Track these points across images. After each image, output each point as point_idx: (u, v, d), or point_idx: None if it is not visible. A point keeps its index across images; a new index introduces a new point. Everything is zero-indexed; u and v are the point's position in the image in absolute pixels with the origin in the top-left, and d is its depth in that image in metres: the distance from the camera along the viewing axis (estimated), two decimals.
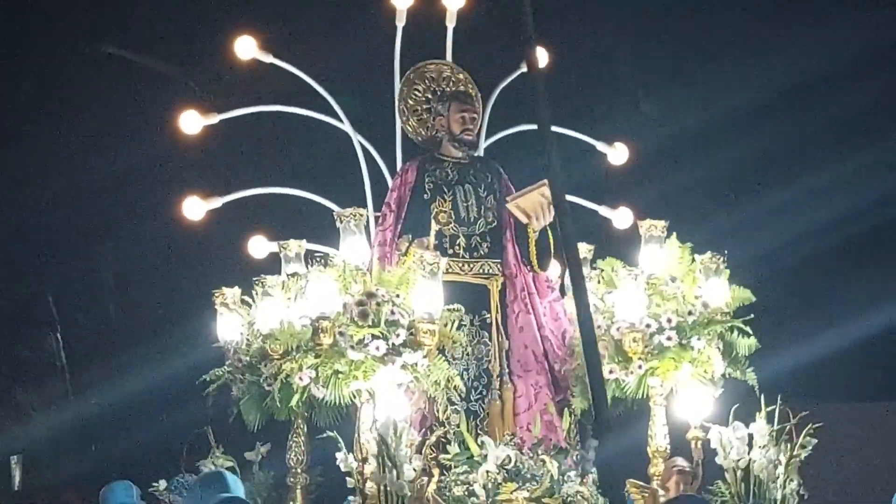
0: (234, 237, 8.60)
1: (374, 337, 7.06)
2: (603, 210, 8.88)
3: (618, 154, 8.96)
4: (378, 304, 7.11)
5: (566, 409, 7.78)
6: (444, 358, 7.27)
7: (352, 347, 7.05)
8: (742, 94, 9.92)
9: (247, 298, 7.96)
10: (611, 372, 7.51)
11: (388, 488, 6.54)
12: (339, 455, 6.96)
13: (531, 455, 7.48)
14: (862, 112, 10.28)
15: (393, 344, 7.08)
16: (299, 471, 7.70)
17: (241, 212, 8.48)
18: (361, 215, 7.61)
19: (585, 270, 8.12)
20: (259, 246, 8.52)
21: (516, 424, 7.78)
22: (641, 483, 7.42)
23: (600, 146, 8.97)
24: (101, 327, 10.88)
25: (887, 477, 7.97)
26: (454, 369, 7.33)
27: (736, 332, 7.50)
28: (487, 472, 7.27)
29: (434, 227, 7.72)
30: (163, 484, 8.07)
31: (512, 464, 7.36)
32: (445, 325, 7.23)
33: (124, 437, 10.16)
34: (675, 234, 7.65)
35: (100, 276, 11.10)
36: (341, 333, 7.08)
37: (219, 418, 8.05)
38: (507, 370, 7.88)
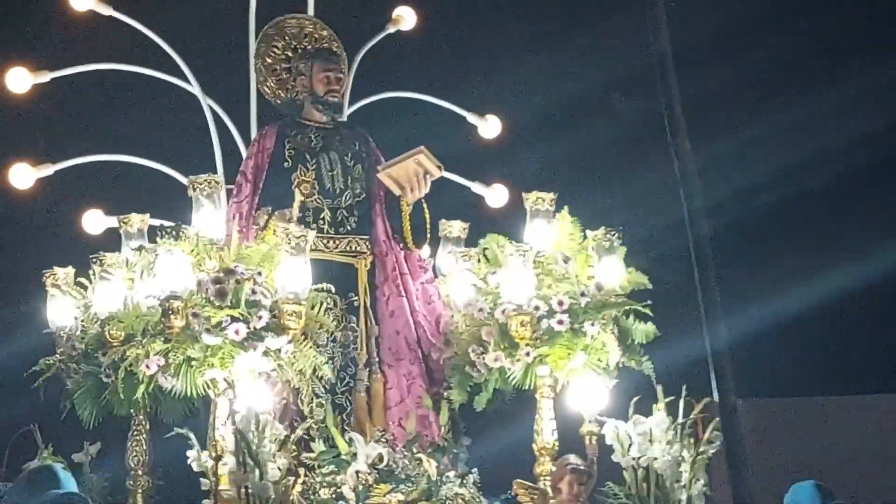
0: (67, 211, 7.78)
1: (233, 319, 6.27)
2: (476, 187, 8.25)
3: (490, 127, 8.35)
4: (237, 281, 6.34)
5: (442, 402, 7.14)
6: (310, 344, 6.57)
7: (207, 331, 6.24)
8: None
9: (82, 280, 7.19)
10: (495, 360, 6.88)
11: (250, 490, 5.74)
12: (192, 453, 6.18)
13: (405, 454, 6.83)
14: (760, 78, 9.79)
15: (254, 327, 6.31)
16: (140, 473, 6.89)
17: (75, 182, 7.65)
18: (217, 182, 6.81)
19: (459, 248, 7.56)
20: (95, 220, 7.70)
21: (387, 419, 7.09)
22: (529, 483, 6.79)
23: (471, 118, 8.35)
24: None
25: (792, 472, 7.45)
26: (321, 356, 6.64)
27: (633, 317, 6.93)
28: (357, 472, 6.58)
29: (298, 197, 7.00)
30: None
31: (384, 463, 6.69)
32: (312, 308, 6.51)
33: None
34: (565, 207, 7.05)
35: None
36: (195, 315, 6.27)
37: (49, 414, 7.27)
38: (376, 359, 7.17)
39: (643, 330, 6.90)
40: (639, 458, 6.27)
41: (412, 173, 7.19)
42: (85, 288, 7.19)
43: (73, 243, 7.58)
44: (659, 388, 6.39)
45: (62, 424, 7.22)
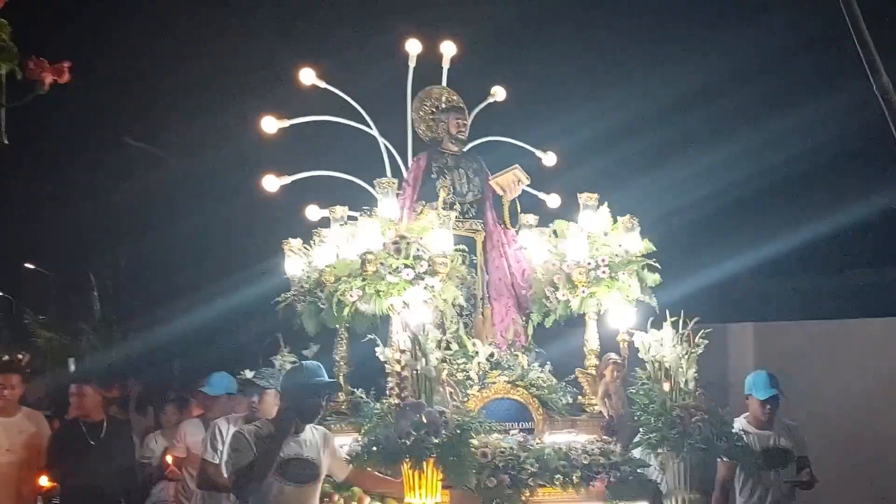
0: (295, 205, 8.07)
1: (405, 266, 6.58)
2: (541, 195, 8.42)
3: (548, 158, 8.50)
4: (408, 244, 6.62)
5: (528, 321, 7.39)
6: (452, 283, 6.80)
7: (389, 273, 6.55)
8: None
9: (306, 246, 7.52)
10: (562, 295, 7.10)
11: (419, 372, 6.00)
12: (379, 349, 6.46)
13: (508, 352, 7.07)
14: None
15: (418, 272, 6.59)
16: (342, 363, 7.29)
17: (296, 188, 7.93)
18: (393, 183, 7.10)
19: (531, 230, 7.73)
20: (314, 212, 8.01)
21: (495, 332, 7.37)
22: (585, 370, 7.01)
23: (538, 153, 8.49)
24: (203, 265, 10.32)
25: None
26: (458, 291, 6.87)
27: (646, 270, 7.11)
28: (479, 363, 6.85)
29: (442, 195, 7.25)
30: (248, 373, 7.57)
31: (494, 358, 6.95)
32: (453, 261, 6.76)
33: (218, 343, 9.57)
34: (605, 203, 7.25)
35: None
36: (382, 264, 6.58)
37: (286, 328, 7.55)
38: (487, 295, 7.47)
39: (653, 278, 7.09)
40: (656, 355, 6.42)
41: (511, 181, 7.44)
42: (307, 253, 7.50)
43: (299, 225, 7.85)
44: (667, 313, 6.53)
45: (294, 334, 7.52)
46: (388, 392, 6.66)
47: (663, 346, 6.51)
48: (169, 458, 8.29)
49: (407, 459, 5.77)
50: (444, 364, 6.19)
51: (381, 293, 6.58)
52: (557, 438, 6.72)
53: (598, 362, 7.09)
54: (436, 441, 5.80)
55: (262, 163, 7.83)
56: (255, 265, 9.15)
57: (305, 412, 5.94)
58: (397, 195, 7.18)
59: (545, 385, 6.89)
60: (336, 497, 6.52)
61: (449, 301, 6.74)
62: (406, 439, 5.80)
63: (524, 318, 7.42)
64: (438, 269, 6.59)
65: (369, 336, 6.67)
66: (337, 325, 7.32)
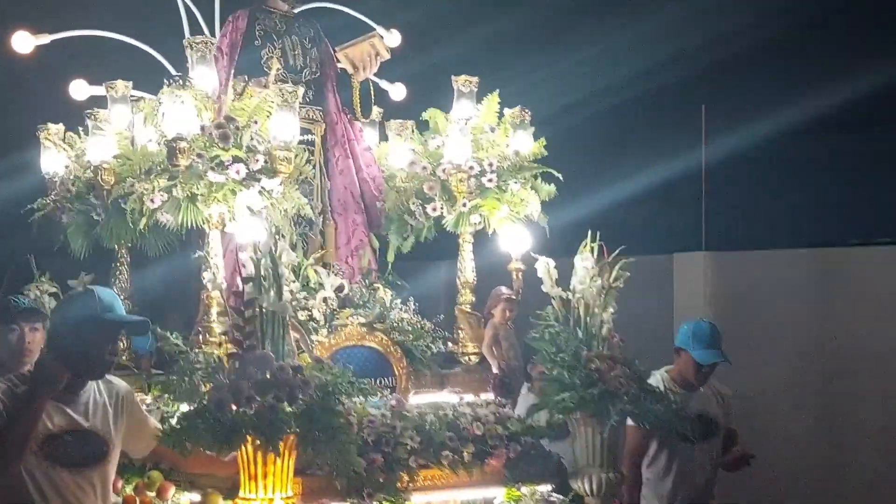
0: (55, 79, 6.04)
1: (235, 159, 4.83)
2: (383, 84, 6.77)
3: (392, 37, 6.84)
4: (237, 128, 4.86)
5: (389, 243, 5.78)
6: (295, 187, 5.13)
7: (212, 169, 4.77)
8: None
9: (72, 134, 5.61)
10: (433, 210, 5.58)
11: (266, 310, 4.31)
12: (207, 274, 4.70)
13: (362, 284, 5.51)
14: None
15: (251, 169, 4.87)
16: (123, 298, 5.27)
17: (54, 54, 5.90)
18: (211, 44, 5.22)
19: (374, 134, 6.17)
20: (81, 88, 5.86)
21: (337, 257, 5.75)
22: (468, 310, 5.54)
23: (380, 30, 6.78)
24: None
25: None
26: (303, 199, 5.20)
27: (539, 179, 5.71)
28: (325, 298, 5.23)
29: (275, 66, 5.49)
30: None
31: (344, 292, 5.36)
32: (298, 156, 5.07)
33: None
34: (497, 90, 5.72)
35: None
36: (200, 156, 4.79)
37: (40, 249, 5.64)
38: (328, 208, 5.75)
39: (546, 190, 5.70)
40: (581, 288, 5.03)
41: (366, 54, 5.77)
42: (72, 144, 5.61)
43: (63, 107, 5.86)
44: (589, 233, 5.15)
45: (54, 257, 5.63)
46: (195, 338, 4.99)
47: (578, 276, 5.16)
48: None
49: (250, 437, 4.13)
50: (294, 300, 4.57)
51: (197, 198, 4.83)
52: (423, 400, 5.26)
53: (473, 299, 5.67)
54: (291, 409, 4.19)
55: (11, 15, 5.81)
56: None
57: (92, 363, 4.16)
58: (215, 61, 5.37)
59: (410, 329, 5.40)
60: (121, 484, 4.77)
61: (289, 212, 5.10)
62: (247, 407, 4.15)
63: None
64: (280, 166, 4.89)
65: (197, 254, 4.97)
66: (116, 246, 5.51)
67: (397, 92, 6.67)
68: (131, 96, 5.50)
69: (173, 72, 5.56)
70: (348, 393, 4.30)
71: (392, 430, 4.66)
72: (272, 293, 4.27)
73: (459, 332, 5.59)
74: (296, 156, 4.98)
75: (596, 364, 4.99)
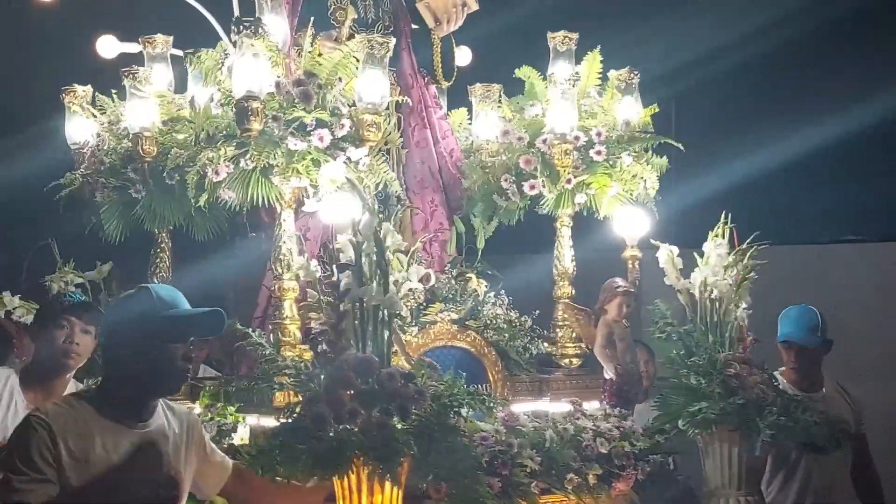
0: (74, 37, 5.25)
1: (319, 123, 4.09)
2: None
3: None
4: (319, 86, 4.15)
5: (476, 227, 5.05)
6: (383, 158, 4.41)
7: (292, 134, 4.06)
8: None
9: (103, 97, 4.79)
10: (532, 188, 4.87)
11: (369, 303, 3.59)
12: (300, 260, 3.96)
13: (450, 276, 4.79)
14: None
15: (335, 136, 4.15)
16: None
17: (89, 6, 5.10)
18: None
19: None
20: (109, 45, 5.11)
21: (413, 244, 5.02)
22: (576, 305, 4.83)
23: None
24: None
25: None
26: (392, 173, 4.47)
27: (651, 153, 5.01)
28: (412, 291, 4.50)
29: (350, 16, 4.76)
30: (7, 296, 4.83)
31: (431, 283, 4.63)
32: (386, 121, 4.34)
33: None
34: (598, 47, 5.02)
35: None
36: (275, 118, 4.08)
37: (68, 233, 4.87)
38: (403, 186, 4.89)
39: (658, 163, 5.00)
40: (714, 280, 4.35)
41: (451, 4, 5.01)
42: (103, 109, 4.84)
43: (85, 66, 5.09)
44: (723, 215, 4.47)
45: (81, 242, 4.86)
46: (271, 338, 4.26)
47: (711, 265, 4.47)
48: None
49: (359, 459, 3.42)
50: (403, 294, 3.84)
51: (272, 170, 4.09)
52: (525, 409, 4.56)
53: (572, 291, 4.97)
54: (403, 425, 3.49)
55: None
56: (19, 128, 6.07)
57: (162, 375, 3.44)
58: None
59: (505, 327, 4.69)
60: None
61: (375, 188, 4.37)
62: (350, 423, 3.44)
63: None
64: (368, 133, 4.18)
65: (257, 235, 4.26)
66: (157, 229, 4.76)
67: (463, 56, 5.93)
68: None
69: (217, 26, 4.81)
70: (471, 405, 3.62)
71: (509, 449, 3.95)
72: (375, 284, 3.58)
73: (558, 330, 4.88)
74: (385, 119, 4.24)
75: (735, 369, 4.33)
